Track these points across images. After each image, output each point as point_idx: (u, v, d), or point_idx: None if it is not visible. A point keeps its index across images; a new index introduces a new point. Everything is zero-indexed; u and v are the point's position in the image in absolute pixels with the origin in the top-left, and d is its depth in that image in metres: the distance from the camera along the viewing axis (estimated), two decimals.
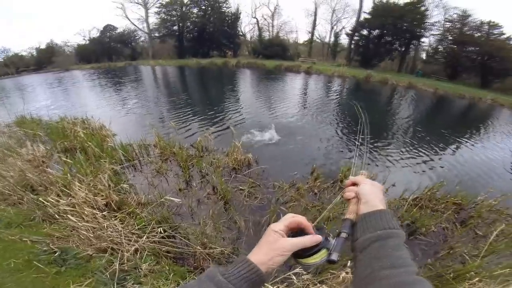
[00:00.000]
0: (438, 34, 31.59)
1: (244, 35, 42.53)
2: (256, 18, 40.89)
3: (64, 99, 10.82)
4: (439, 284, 2.31)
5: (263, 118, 8.04)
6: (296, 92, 14.02)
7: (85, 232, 2.07)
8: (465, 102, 17.79)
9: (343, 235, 0.59)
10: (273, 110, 9.11)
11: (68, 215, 2.15)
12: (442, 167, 5.69)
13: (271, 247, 0.55)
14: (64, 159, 3.08)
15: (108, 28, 38.65)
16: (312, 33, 40.52)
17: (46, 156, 3.90)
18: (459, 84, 24.95)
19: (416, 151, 6.37)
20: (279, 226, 0.58)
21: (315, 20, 39.48)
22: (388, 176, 4.66)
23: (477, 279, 2.18)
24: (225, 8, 37.81)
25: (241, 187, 3.85)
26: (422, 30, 30.55)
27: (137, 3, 36.89)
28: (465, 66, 28.42)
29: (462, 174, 5.42)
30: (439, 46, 31.80)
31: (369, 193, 0.65)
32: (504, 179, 5.52)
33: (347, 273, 2.03)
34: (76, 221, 2.10)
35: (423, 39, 32.17)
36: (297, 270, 2.23)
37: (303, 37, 54.74)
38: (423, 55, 34.97)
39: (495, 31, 27.62)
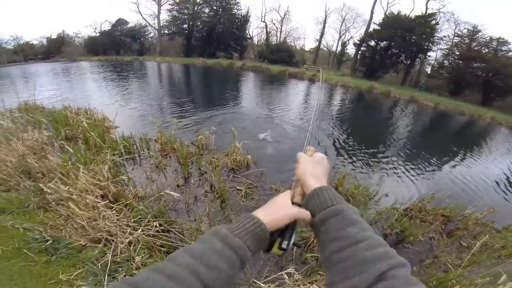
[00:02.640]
0: (445, 49, 31.78)
1: (251, 38, 42.85)
2: (265, 22, 41.29)
3: (68, 89, 10.87)
4: None
5: (264, 121, 8.08)
6: (298, 99, 14.08)
7: (80, 221, 2.06)
8: (464, 119, 17.88)
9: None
10: (274, 115, 9.14)
11: (69, 203, 2.14)
12: (435, 180, 5.77)
13: (281, 210, 0.57)
14: (66, 146, 3.08)
15: (120, 22, 39.10)
16: (320, 41, 40.90)
17: (48, 143, 3.91)
18: (460, 100, 25.02)
19: (411, 164, 6.43)
20: (297, 214, 0.58)
21: (323, 28, 39.89)
22: (381, 186, 4.72)
23: (457, 287, 2.26)
24: (236, 10, 38.27)
25: (238, 188, 3.85)
26: (430, 44, 30.71)
27: None
28: (469, 82, 28.50)
29: (453, 188, 5.51)
30: (445, 61, 32.01)
31: (303, 173, 0.64)
32: (493, 195, 5.65)
33: None
34: (75, 208, 2.09)
35: (429, 53, 32.45)
36: (289, 270, 2.24)
37: (310, 44, 55.05)
38: (428, 69, 35.12)
39: (503, 48, 27.73)
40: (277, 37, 41.62)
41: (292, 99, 13.77)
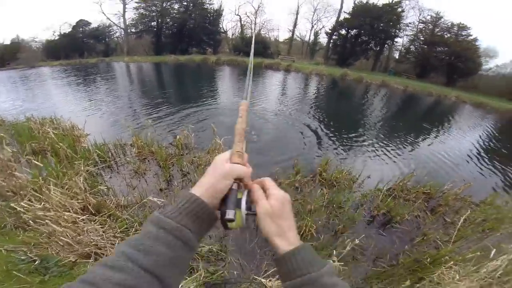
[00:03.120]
0: (411, 35, 33.53)
1: (225, 32, 42.06)
2: (239, 15, 40.65)
3: (30, 98, 10.04)
4: (419, 268, 2.47)
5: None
6: (275, 89, 14.19)
7: (64, 238, 1.97)
8: (432, 99, 19.13)
9: (235, 186, 0.54)
10: (254, 107, 9.14)
11: (45, 221, 2.03)
12: (412, 158, 6.12)
13: (214, 175, 0.53)
14: (34, 161, 2.88)
15: (82, 23, 36.29)
16: (293, 32, 41.20)
17: (13, 160, 3.63)
18: (427, 82, 26.71)
19: (389, 144, 6.78)
20: (234, 171, 0.54)
21: (296, 18, 40.14)
22: (364, 168, 4.88)
23: (451, 262, 2.32)
24: (208, 5, 37.08)
25: None
26: (397, 31, 32.33)
27: None
28: (434, 66, 30.49)
29: (430, 164, 5.85)
30: (411, 46, 33.84)
31: (267, 232, 0.52)
32: (466, 168, 6.07)
33: (333, 261, 2.11)
34: (54, 226, 1.98)
35: (397, 39, 34.14)
36: None
37: (284, 35, 55.18)
38: (396, 55, 36.86)
39: (464, 33, 29.96)
40: (251, 30, 41.26)
41: (270, 89, 13.86)
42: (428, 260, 2.44)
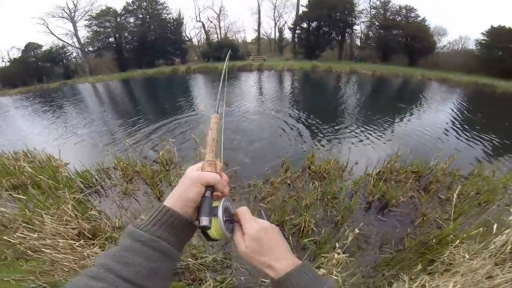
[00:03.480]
0: (366, 21, 35.40)
1: (190, 39, 41.60)
2: (202, 22, 40.42)
3: None
4: (427, 250, 2.48)
5: (224, 120, 8.13)
6: (252, 90, 14.44)
7: (67, 264, 2.00)
8: (400, 80, 20.32)
9: (208, 193, 0.53)
10: (233, 110, 9.31)
11: (42, 250, 2.04)
12: (394, 138, 6.36)
13: (183, 184, 0.53)
14: (16, 195, 2.83)
15: (31, 47, 34.02)
16: (259, 31, 41.76)
17: None
18: (392, 65, 28.38)
19: (369, 128, 7.06)
20: (202, 179, 0.54)
21: (259, 17, 40.77)
22: (349, 155, 4.93)
23: (458, 241, 2.32)
24: (165, 15, 36.44)
25: None
26: (353, 19, 34.00)
27: (62, 17, 33.20)
28: (393, 48, 32.41)
29: (412, 142, 6.07)
30: (369, 32, 35.72)
31: (264, 261, 0.50)
32: (447, 141, 6.33)
33: (338, 253, 2.08)
34: (53, 254, 2.01)
35: (355, 27, 35.98)
36: None
37: (250, 36, 55.66)
38: (358, 42, 38.70)
39: (412, 14, 32.16)
40: (217, 34, 41.21)
41: (247, 91, 14.07)
42: (434, 241, 2.45)
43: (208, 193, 0.53)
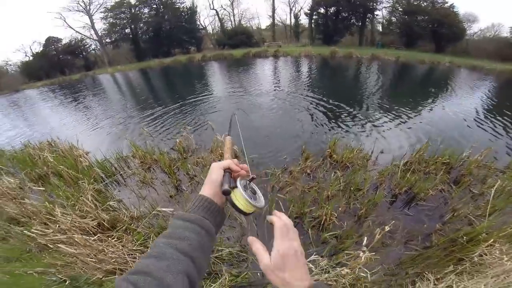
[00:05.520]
0: (388, 7, 33.13)
1: (205, 28, 41.26)
2: (215, 9, 39.85)
3: (24, 124, 9.86)
4: (456, 249, 2.29)
5: (240, 105, 8.07)
6: (268, 76, 14.10)
7: (85, 258, 1.98)
8: (426, 67, 18.99)
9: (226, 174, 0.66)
10: (248, 96, 9.14)
11: (59, 243, 2.04)
12: (421, 127, 5.88)
13: (209, 173, 0.67)
14: (39, 187, 2.86)
15: (51, 41, 35.19)
16: (273, 17, 40.55)
17: (18, 188, 3.59)
18: (416, 51, 26.56)
19: (394, 116, 6.61)
20: (221, 165, 0.68)
21: (273, 3, 39.38)
22: (374, 144, 4.69)
23: (492, 240, 2.15)
24: (179, 4, 36.16)
25: None
26: (374, 4, 31.88)
27: (78, 10, 33.82)
28: (419, 34, 30.23)
29: (441, 131, 5.59)
30: (392, 18, 33.45)
31: (278, 271, 0.52)
32: (480, 130, 5.78)
33: (364, 251, 1.92)
34: (68, 248, 1.99)
35: (376, 12, 33.74)
36: (312, 257, 2.17)
37: (265, 22, 54.31)
38: (379, 27, 36.54)
39: (439, 0, 29.50)
40: (231, 21, 40.56)
41: (263, 77, 13.76)
42: (464, 238, 2.27)
43: (226, 174, 0.66)
